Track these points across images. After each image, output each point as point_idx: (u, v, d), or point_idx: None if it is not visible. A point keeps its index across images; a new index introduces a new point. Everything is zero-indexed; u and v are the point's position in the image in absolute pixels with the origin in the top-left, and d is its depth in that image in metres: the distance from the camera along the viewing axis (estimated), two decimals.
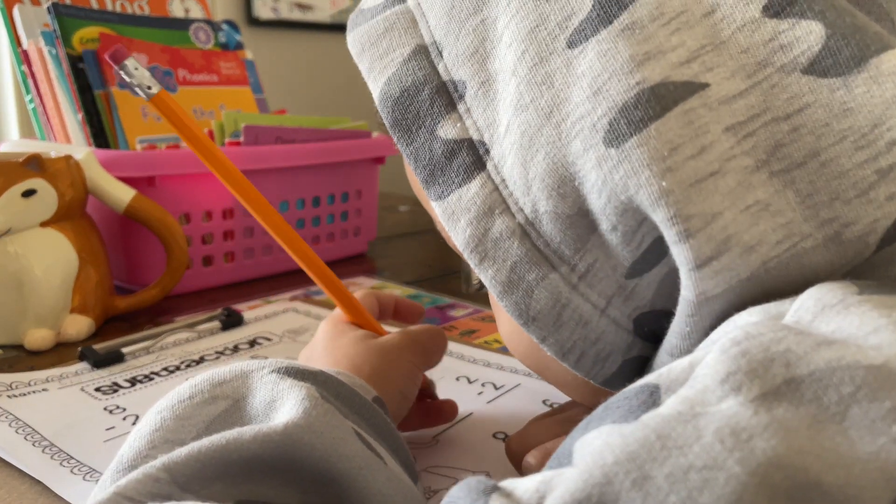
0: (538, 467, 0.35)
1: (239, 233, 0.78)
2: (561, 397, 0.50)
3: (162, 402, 0.31)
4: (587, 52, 0.25)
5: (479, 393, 0.50)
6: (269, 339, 0.61)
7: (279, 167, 0.79)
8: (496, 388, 0.51)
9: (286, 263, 0.83)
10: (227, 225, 0.77)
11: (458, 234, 0.28)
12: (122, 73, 0.34)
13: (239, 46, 0.92)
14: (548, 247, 0.27)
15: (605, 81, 0.24)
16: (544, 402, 0.49)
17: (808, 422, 0.17)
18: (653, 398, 0.20)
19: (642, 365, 0.30)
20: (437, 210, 0.29)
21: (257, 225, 0.80)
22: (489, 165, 0.27)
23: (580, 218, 0.26)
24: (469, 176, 0.28)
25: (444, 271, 0.86)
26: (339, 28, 2.19)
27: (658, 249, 0.26)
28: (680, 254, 0.24)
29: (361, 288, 0.77)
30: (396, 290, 0.76)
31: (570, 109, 0.25)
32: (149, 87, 0.34)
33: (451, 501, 0.20)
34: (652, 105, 0.23)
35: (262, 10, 2.02)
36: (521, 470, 0.38)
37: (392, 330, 0.43)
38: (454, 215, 0.28)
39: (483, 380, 0.53)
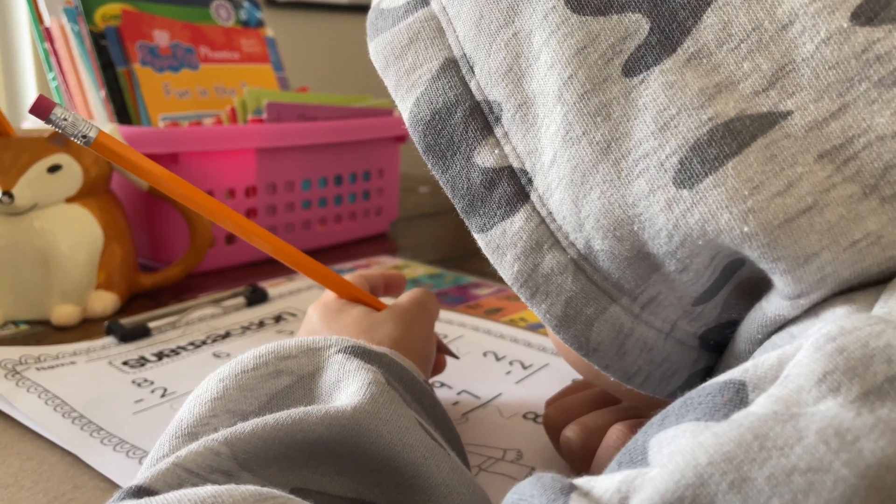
0: (578, 441, 0.35)
1: (262, 211, 0.78)
2: None
3: (224, 369, 0.30)
4: (650, 83, 0.22)
5: (508, 372, 0.50)
6: (293, 315, 0.61)
7: (302, 145, 0.79)
8: (524, 367, 0.51)
9: (308, 242, 0.83)
10: (250, 203, 0.77)
11: (504, 269, 0.26)
12: (52, 122, 0.32)
13: (260, 24, 0.91)
14: (606, 280, 0.25)
15: (672, 116, 0.22)
16: (573, 381, 0.49)
17: None
18: (739, 396, 0.18)
19: (707, 373, 0.29)
20: (481, 243, 0.27)
21: (280, 203, 0.80)
22: (533, 196, 0.25)
23: (640, 259, 0.24)
24: (512, 208, 0.26)
25: (465, 252, 0.85)
26: (357, 9, 2.17)
27: (727, 272, 0.24)
28: (770, 279, 0.22)
29: (383, 266, 0.77)
30: (419, 270, 0.76)
31: (632, 146, 0.23)
32: (86, 134, 0.33)
33: (522, 499, 0.19)
34: (727, 142, 0.21)
35: None
36: (558, 442, 0.37)
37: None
38: (499, 249, 0.26)
39: (511, 357, 0.52)
